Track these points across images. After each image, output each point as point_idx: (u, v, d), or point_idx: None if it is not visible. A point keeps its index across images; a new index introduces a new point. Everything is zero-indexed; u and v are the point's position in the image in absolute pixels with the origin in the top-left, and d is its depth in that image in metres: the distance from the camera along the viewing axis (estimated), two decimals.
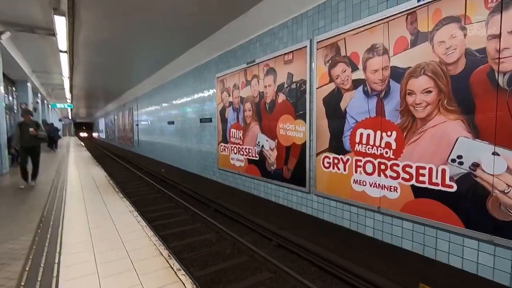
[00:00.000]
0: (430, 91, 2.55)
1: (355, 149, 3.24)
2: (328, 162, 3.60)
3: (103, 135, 32.40)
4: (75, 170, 7.49)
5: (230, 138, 5.80)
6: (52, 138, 14.38)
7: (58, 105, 15.52)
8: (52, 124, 15.17)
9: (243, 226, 5.03)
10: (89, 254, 2.55)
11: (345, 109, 3.35)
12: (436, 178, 2.53)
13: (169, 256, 2.65)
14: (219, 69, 6.18)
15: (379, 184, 3.02)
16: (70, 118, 33.63)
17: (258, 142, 4.94)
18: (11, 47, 6.83)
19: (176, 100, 9.00)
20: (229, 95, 5.77)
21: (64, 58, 6.86)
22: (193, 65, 7.46)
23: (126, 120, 17.26)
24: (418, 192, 2.67)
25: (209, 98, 6.72)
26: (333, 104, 3.51)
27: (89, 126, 49.79)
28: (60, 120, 29.17)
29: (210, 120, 6.72)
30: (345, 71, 3.33)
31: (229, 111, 5.82)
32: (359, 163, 3.21)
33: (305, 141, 3.95)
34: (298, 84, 4.04)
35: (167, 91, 9.82)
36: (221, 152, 6.19)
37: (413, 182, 2.71)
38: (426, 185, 2.61)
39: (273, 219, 4.68)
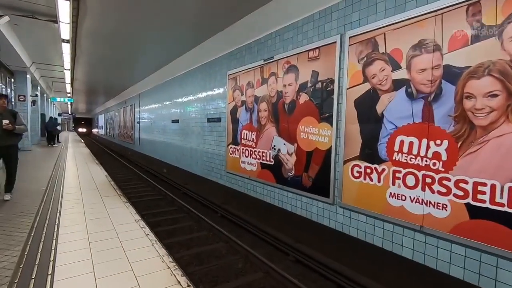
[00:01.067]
0: (495, 95, 2.17)
1: (393, 158, 2.86)
2: (358, 172, 3.22)
3: (102, 132, 31.95)
4: (73, 167, 7.05)
5: (242, 140, 5.41)
6: (50, 133, 13.95)
7: (58, 99, 15.08)
8: (51, 117, 14.73)
9: (254, 237, 4.63)
10: (88, 280, 2.10)
11: (382, 112, 2.97)
12: (501, 197, 2.15)
13: (175, 268, 2.26)
14: (231, 66, 5.80)
15: (422, 200, 2.64)
16: (69, 112, 33.16)
17: (274, 146, 4.55)
18: (10, 34, 6.43)
19: (181, 98, 8.61)
20: (242, 94, 5.39)
21: (66, 48, 6.46)
22: (202, 61, 7.08)
23: (127, 117, 16.85)
24: (475, 212, 2.29)
25: (219, 96, 6.34)
26: (366, 106, 3.13)
27: (89, 122, 48.12)
28: (59, 114, 28.70)
29: (218, 120, 6.33)
30: (383, 69, 2.96)
31: (241, 111, 5.43)
32: (397, 175, 2.83)
33: (331, 147, 3.57)
34: (324, 84, 3.67)
35: (172, 88, 9.43)
36: (231, 154, 5.80)
37: (469, 200, 2.33)
38: (487, 205, 2.22)
39: (289, 230, 4.28)
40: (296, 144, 4.11)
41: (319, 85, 3.74)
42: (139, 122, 14.08)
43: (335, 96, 3.50)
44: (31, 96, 11.46)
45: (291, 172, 4.21)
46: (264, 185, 4.85)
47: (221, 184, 6.22)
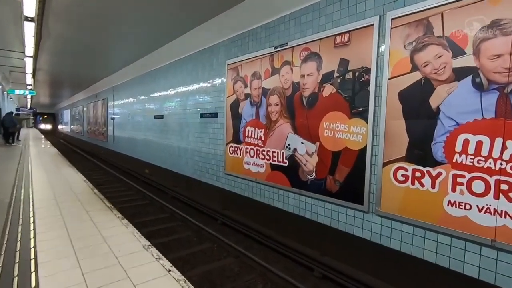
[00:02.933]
0: None
1: (454, 160, 2.43)
2: (403, 175, 2.78)
3: (67, 128, 29.48)
4: (41, 171, 5.90)
5: (245, 138, 4.80)
6: (6, 130, 12.30)
7: (17, 91, 13.32)
8: (11, 113, 13.00)
9: (267, 249, 4.08)
10: None
11: (438, 107, 2.53)
12: None
13: None
14: (231, 54, 5.15)
15: (495, 210, 2.24)
16: (29, 107, 30.16)
17: (289, 145, 4.01)
18: None
19: (166, 91, 7.76)
20: (246, 86, 4.77)
21: (29, 29, 5.39)
22: (194, 50, 6.32)
23: (99, 112, 15.41)
24: None
25: (215, 89, 5.66)
26: (416, 99, 2.68)
27: (52, 118, 41.72)
28: (17, 109, 25.96)
29: (214, 115, 5.66)
30: (440, 56, 2.51)
31: (245, 105, 4.82)
32: (459, 180, 2.41)
33: (365, 146, 3.10)
34: (356, 74, 3.17)
35: (155, 80, 8.52)
36: (230, 154, 5.17)
37: None
38: None
39: (310, 241, 3.78)
40: (318, 143, 3.60)
41: (349, 75, 3.24)
42: (113, 118, 12.85)
43: (371, 88, 3.03)
44: None
45: (312, 175, 3.70)
46: (275, 189, 4.30)
47: (218, 187, 5.58)
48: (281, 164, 4.14)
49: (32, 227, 2.89)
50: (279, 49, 4.13)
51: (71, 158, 12.42)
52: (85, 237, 2.73)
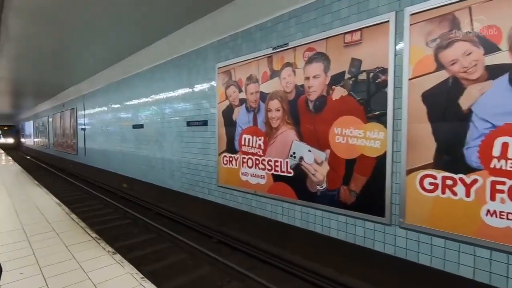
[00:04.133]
0: None
1: (492, 166, 2.23)
2: (432, 184, 2.54)
3: (30, 141, 27.18)
4: (3, 195, 4.97)
5: (242, 147, 4.41)
6: None
7: None
8: None
9: (274, 269, 3.69)
10: None
11: (470, 108, 2.33)
12: None
13: None
14: (222, 57, 4.76)
15: None
16: None
17: (294, 153, 3.68)
18: None
19: (145, 98, 7.18)
20: (241, 91, 4.40)
21: None
22: (178, 53, 5.86)
23: (67, 123, 14.21)
24: None
25: (203, 95, 5.22)
26: (443, 100, 2.46)
27: (12, 130, 34.73)
28: None
29: (204, 123, 5.21)
30: (469, 53, 2.32)
31: (239, 112, 4.44)
32: (499, 187, 2.20)
33: (385, 153, 2.84)
34: (371, 74, 2.93)
35: (131, 87, 7.89)
36: (224, 164, 4.74)
37: None
38: None
39: (322, 257, 3.44)
40: (328, 151, 3.30)
41: (362, 76, 2.99)
42: (84, 129, 11.85)
43: (389, 89, 2.79)
44: None
45: (322, 186, 3.39)
46: (278, 201, 3.94)
47: (211, 201, 5.11)
48: (285, 174, 3.79)
49: None
50: (278, 50, 3.82)
51: (37, 175, 11.25)
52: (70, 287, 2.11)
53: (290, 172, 3.74)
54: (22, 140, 31.48)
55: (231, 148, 4.62)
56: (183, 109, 5.77)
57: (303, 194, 3.60)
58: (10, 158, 13.35)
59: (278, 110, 3.84)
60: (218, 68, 4.81)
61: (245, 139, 4.36)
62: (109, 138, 9.44)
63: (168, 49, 6.05)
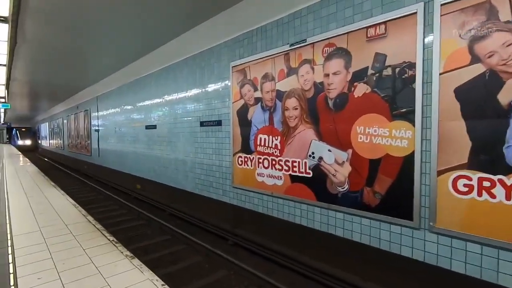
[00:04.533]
0: None
1: None
2: (466, 185, 2.36)
3: (46, 143, 27.84)
4: (20, 194, 5.04)
5: (257, 147, 4.31)
6: None
7: None
8: None
9: (292, 272, 3.57)
10: None
11: (510, 103, 2.15)
12: None
13: None
14: (236, 55, 4.67)
15: None
16: (3, 122, 28.32)
17: (312, 153, 3.54)
18: None
19: (158, 98, 7.16)
20: (256, 89, 4.29)
21: (2, 31, 4.70)
22: (190, 53, 5.80)
23: (81, 124, 14.45)
24: None
25: (217, 94, 5.14)
26: (479, 96, 2.29)
27: (32, 132, 34.32)
28: None
29: (218, 123, 5.13)
30: (510, 44, 2.14)
31: (255, 111, 4.33)
32: None
33: (412, 152, 2.68)
34: (397, 70, 2.77)
35: (144, 88, 7.90)
36: (239, 165, 4.65)
37: None
38: None
39: (344, 262, 3.30)
40: (350, 151, 3.15)
41: (387, 71, 2.84)
42: (97, 130, 11.99)
43: (418, 85, 2.62)
44: None
45: (343, 187, 3.24)
46: (296, 203, 3.81)
47: (225, 202, 5.02)
48: (304, 175, 3.66)
49: (12, 282, 2.11)
50: (295, 46, 3.69)
51: (53, 176, 11.46)
52: None
53: (308, 173, 3.61)
54: (40, 142, 30.75)
55: (246, 148, 4.52)
56: (196, 109, 5.70)
57: (323, 196, 3.46)
58: (27, 159, 13.65)
59: (296, 109, 3.71)
60: (233, 66, 4.71)
61: (260, 139, 4.26)
62: (122, 139, 9.51)
63: (180, 48, 6.00)
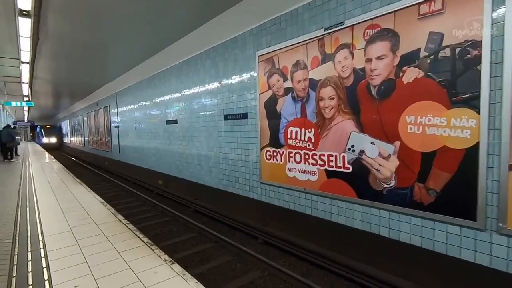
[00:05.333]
0: None
1: None
2: None
3: (67, 140, 28.63)
4: (48, 192, 5.01)
5: (288, 141, 4.06)
6: (4, 145, 11.50)
7: (13, 103, 12.53)
8: (8, 126, 12.20)
9: (331, 274, 3.33)
10: None
11: None
12: None
13: None
14: (263, 44, 4.41)
15: None
16: (26, 120, 29.30)
17: (352, 146, 3.26)
18: None
19: (179, 92, 7.02)
20: (286, 79, 4.03)
21: (25, 28, 4.63)
22: (211, 44, 5.58)
23: (100, 121, 14.64)
24: None
25: (242, 86, 4.91)
26: None
27: (55, 129, 32.54)
28: (14, 123, 25.14)
29: (243, 116, 4.91)
30: None
31: (285, 102, 4.08)
32: None
33: (477, 144, 2.36)
34: (457, 50, 2.43)
35: (164, 82, 7.78)
36: (267, 160, 4.42)
37: None
38: None
39: (390, 265, 3.03)
40: (398, 143, 2.85)
41: (445, 52, 2.50)
42: (117, 127, 12.08)
43: (484, 66, 2.29)
44: None
45: (389, 183, 2.95)
46: (333, 200, 3.55)
47: (253, 198, 4.83)
48: (342, 170, 3.39)
49: None
50: (331, 30, 3.39)
51: (76, 172, 11.67)
52: None
53: (347, 168, 3.33)
54: (66, 139, 29.25)
55: (275, 142, 4.28)
56: (220, 102, 5.50)
57: (364, 193, 3.19)
58: (52, 156, 14.00)
59: (332, 98, 3.43)
60: (259, 56, 4.46)
61: (291, 132, 4.00)
62: (142, 135, 9.48)
63: (202, 40, 5.79)
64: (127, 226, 3.11)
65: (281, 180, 4.22)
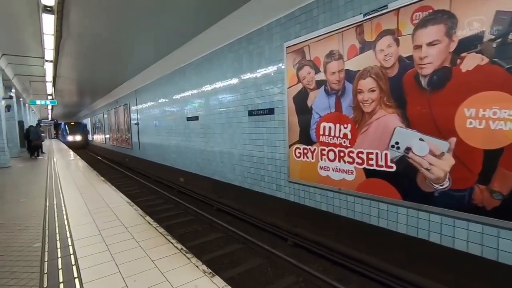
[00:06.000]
0: None
1: None
2: None
3: (89, 137, 29.42)
4: (74, 191, 4.98)
5: (320, 137, 3.80)
6: (31, 143, 11.83)
7: (38, 102, 12.87)
8: (37, 125, 12.56)
9: (372, 282, 3.07)
10: None
11: None
12: None
13: None
14: (292, 34, 4.14)
15: None
16: (50, 118, 30.35)
17: (396, 143, 2.96)
18: None
19: (200, 88, 6.87)
20: (318, 71, 3.75)
21: (49, 23, 4.58)
22: (235, 36, 5.36)
23: (121, 118, 14.83)
24: None
25: (268, 79, 4.67)
26: None
27: (80, 126, 29.00)
28: (39, 121, 26.06)
29: (270, 111, 4.68)
30: None
31: (316, 96, 3.81)
32: None
33: None
34: None
35: (184, 78, 7.65)
36: (297, 157, 4.18)
37: None
38: None
39: (445, 276, 2.73)
40: (454, 139, 2.54)
41: None
42: (137, 124, 12.16)
43: None
44: (4, 99, 9.36)
45: (442, 184, 2.65)
46: (372, 201, 3.27)
47: (280, 198, 4.61)
48: (384, 169, 3.10)
49: None
50: (372, 16, 3.08)
51: (98, 168, 11.87)
52: None
53: (390, 167, 3.04)
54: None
55: (305, 138, 4.03)
56: (244, 97, 5.29)
57: (410, 194, 2.89)
58: (75, 154, 14.34)
59: (373, 91, 3.13)
60: (287, 47, 4.20)
61: (324, 127, 3.74)
62: (162, 132, 9.45)
63: (224, 33, 5.58)
64: (157, 230, 2.96)
65: (313, 179, 3.97)
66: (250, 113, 5.14)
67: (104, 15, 4.92)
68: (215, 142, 6.37)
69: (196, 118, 7.13)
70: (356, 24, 3.25)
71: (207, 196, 6.47)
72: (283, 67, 4.32)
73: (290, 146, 4.29)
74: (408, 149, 2.88)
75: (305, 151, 4.04)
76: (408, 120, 2.86)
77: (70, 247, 2.50)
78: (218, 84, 6.09)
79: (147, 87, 10.48)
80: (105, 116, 19.14)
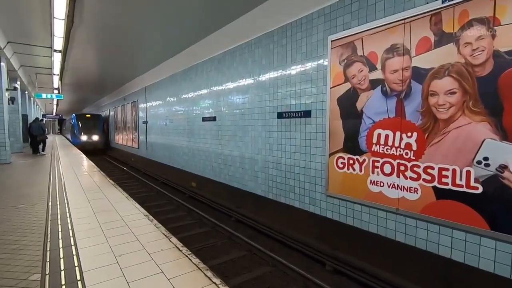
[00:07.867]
0: None
1: None
2: None
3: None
4: (81, 196, 4.37)
5: (373, 146, 3.22)
6: (34, 138, 11.31)
7: (44, 95, 12.36)
8: (37, 118, 12.05)
9: None
10: None
11: None
12: None
13: None
14: (338, 25, 3.59)
15: None
16: (55, 114, 30.00)
17: (485, 159, 2.38)
18: None
19: (220, 86, 6.33)
20: (373, 69, 3.19)
21: (60, 5, 4.05)
22: (265, 30, 4.82)
23: (128, 116, 14.34)
24: None
25: (306, 78, 4.11)
26: None
27: (99, 121, 18.80)
28: (43, 116, 25.68)
29: (305, 114, 4.11)
30: None
31: (370, 97, 3.24)
32: None
33: None
34: None
35: (202, 75, 7.12)
36: (339, 168, 3.60)
37: None
38: None
39: None
40: None
41: None
42: (145, 122, 11.64)
43: None
44: (7, 89, 8.85)
45: None
46: (444, 228, 2.69)
47: (313, 213, 4.03)
48: (464, 190, 2.52)
49: None
50: (456, 0, 2.51)
51: (102, 167, 11.34)
52: None
53: (474, 188, 2.46)
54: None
55: (352, 147, 3.45)
56: (273, 97, 4.73)
57: (503, 224, 2.31)
58: (76, 150, 13.83)
59: (453, 93, 2.55)
60: (332, 41, 3.64)
61: (379, 135, 3.16)
62: (174, 132, 8.91)
63: (250, 26, 5.04)
64: (170, 241, 2.34)
65: (359, 195, 3.39)
66: (280, 115, 4.58)
67: (120, 1, 4.40)
68: (234, 145, 5.81)
69: (213, 118, 6.57)
70: (430, 12, 2.69)
71: (223, 204, 5.89)
72: (325, 63, 3.76)
73: (330, 154, 3.72)
74: (502, 167, 2.30)
75: (351, 161, 3.46)
76: (505, 130, 2.28)
77: (79, 283, 1.90)
78: (242, 82, 5.54)
79: (159, 84, 9.97)
80: (111, 113, 18.68)
